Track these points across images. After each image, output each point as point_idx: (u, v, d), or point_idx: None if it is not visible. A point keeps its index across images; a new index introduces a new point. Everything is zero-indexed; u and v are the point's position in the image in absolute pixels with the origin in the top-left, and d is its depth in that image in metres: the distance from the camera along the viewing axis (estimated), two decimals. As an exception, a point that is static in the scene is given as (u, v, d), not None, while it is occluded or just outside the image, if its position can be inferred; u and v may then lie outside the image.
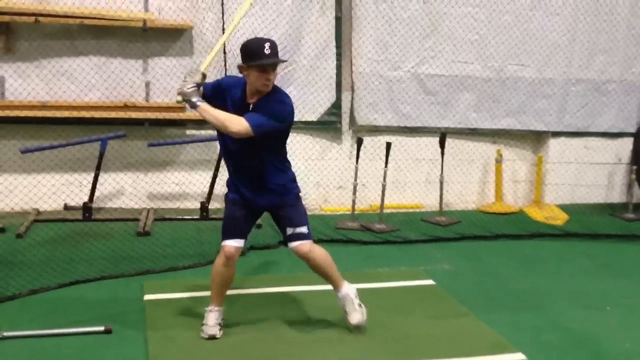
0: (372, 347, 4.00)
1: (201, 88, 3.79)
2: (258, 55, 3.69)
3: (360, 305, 4.16)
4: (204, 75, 3.78)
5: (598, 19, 7.49)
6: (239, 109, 3.79)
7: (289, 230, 4.01)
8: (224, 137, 3.86)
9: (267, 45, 3.71)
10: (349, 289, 4.17)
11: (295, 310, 4.49)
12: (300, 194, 4.10)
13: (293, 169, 4.10)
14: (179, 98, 3.73)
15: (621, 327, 4.47)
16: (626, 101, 7.79)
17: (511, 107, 7.53)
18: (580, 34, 7.50)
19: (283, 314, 4.43)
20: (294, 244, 4.01)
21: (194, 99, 3.69)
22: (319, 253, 4.10)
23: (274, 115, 3.73)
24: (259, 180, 3.93)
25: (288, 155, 4.06)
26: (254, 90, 3.81)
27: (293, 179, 4.07)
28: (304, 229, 4.02)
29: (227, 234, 4.01)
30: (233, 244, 3.98)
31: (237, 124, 3.68)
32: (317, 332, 4.17)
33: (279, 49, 3.84)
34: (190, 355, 3.83)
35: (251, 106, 3.79)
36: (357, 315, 4.12)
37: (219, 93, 3.89)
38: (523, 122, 7.61)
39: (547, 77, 7.52)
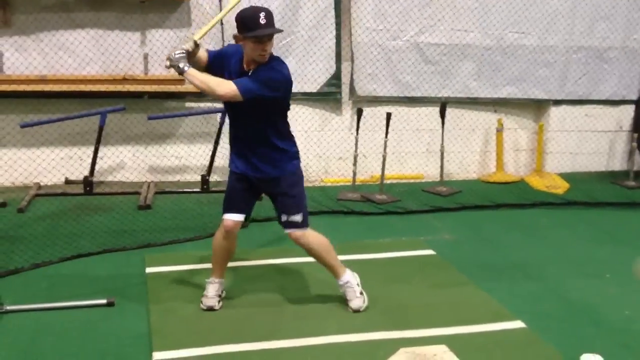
0: (372, 317, 4.03)
1: (196, 53, 3.72)
2: (253, 25, 3.60)
3: (361, 293, 4.14)
4: (195, 43, 3.70)
5: (600, -16, 7.42)
6: (236, 77, 3.74)
7: (283, 217, 4.00)
8: (232, 107, 3.83)
9: (262, 14, 3.60)
10: (350, 277, 4.13)
11: (296, 282, 4.52)
12: (301, 176, 4.02)
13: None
14: (167, 63, 3.66)
15: (620, 295, 4.49)
16: (628, 68, 7.73)
17: (512, 75, 7.47)
18: (582, 1, 7.41)
19: (284, 285, 4.46)
20: (286, 231, 4.03)
21: (180, 64, 3.60)
22: (314, 241, 4.06)
23: (266, 83, 3.66)
24: (256, 154, 3.89)
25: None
26: (250, 60, 3.76)
27: (292, 158, 3.96)
28: (297, 217, 3.97)
29: (227, 208, 4.02)
30: (232, 218, 3.99)
31: (226, 87, 3.64)
32: (318, 303, 4.21)
33: (276, 20, 3.78)
34: (191, 327, 3.86)
35: (250, 73, 3.74)
36: (357, 301, 4.11)
37: (218, 61, 3.84)
38: (524, 91, 7.56)
39: (548, 45, 7.45)
